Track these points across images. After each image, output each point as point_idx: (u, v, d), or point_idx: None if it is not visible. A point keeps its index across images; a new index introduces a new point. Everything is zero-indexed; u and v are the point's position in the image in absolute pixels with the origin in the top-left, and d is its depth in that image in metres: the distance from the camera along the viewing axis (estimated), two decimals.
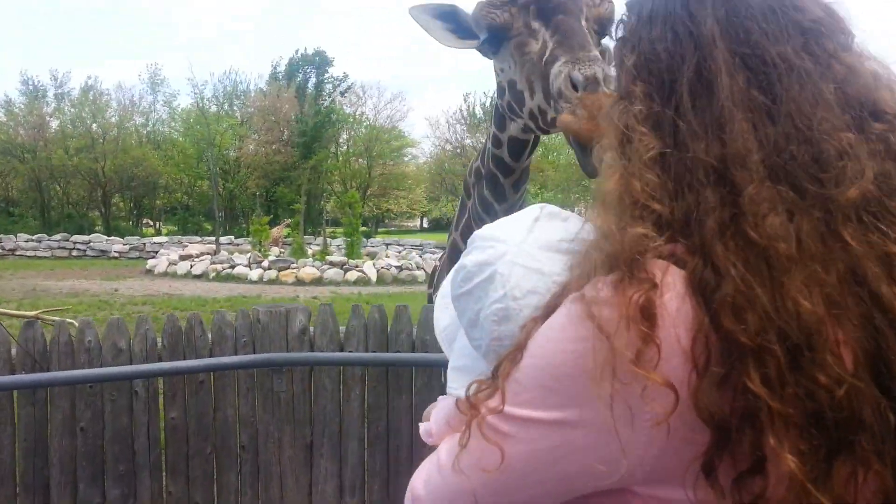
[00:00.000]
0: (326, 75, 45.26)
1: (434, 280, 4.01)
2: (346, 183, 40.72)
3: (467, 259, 0.92)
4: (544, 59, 2.00)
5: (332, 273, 19.87)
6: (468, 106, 40.10)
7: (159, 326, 3.31)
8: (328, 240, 25.73)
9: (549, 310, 0.77)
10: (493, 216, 2.87)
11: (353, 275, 19.96)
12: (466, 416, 0.80)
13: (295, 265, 20.19)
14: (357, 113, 44.02)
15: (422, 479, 0.90)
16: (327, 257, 21.26)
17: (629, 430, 0.68)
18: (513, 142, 2.60)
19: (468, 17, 2.32)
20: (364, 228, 28.25)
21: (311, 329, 3.20)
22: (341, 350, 3.16)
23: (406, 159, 44.91)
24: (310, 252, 23.33)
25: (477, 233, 0.96)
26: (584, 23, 2.06)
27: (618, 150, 0.78)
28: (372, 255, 23.35)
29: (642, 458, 0.69)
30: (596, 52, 1.92)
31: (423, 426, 1.02)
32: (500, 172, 2.72)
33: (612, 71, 1.76)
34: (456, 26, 2.34)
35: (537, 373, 0.74)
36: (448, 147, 39.39)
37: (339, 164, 41.15)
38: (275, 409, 3.15)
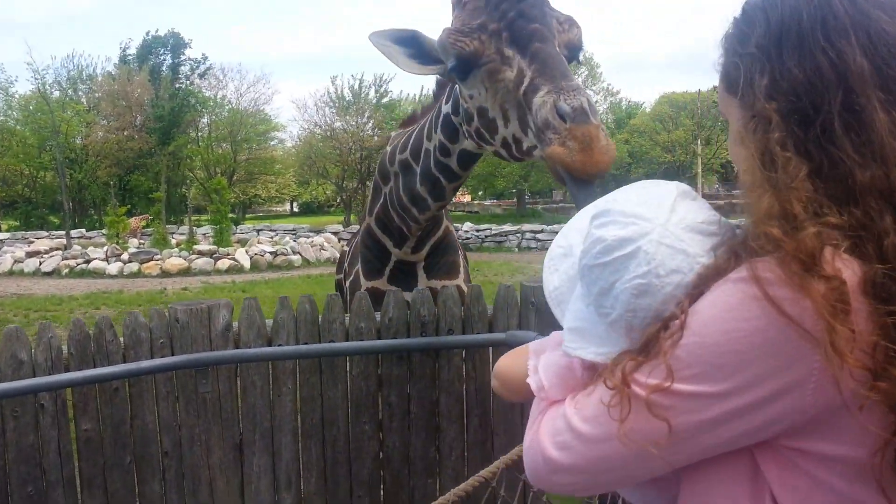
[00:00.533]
0: (183, 57, 42.73)
1: (344, 264, 3.97)
2: (209, 169, 38.85)
3: (605, 232, 0.95)
4: (523, 88, 1.97)
5: (201, 262, 19.00)
6: (336, 88, 39.41)
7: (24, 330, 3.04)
8: (194, 228, 24.50)
9: (698, 290, 0.85)
10: (425, 210, 2.86)
11: (224, 263, 19.22)
12: (618, 388, 0.87)
13: (159, 256, 19.12)
14: (218, 96, 42.01)
15: (553, 442, 0.95)
16: (195, 246, 20.26)
17: (798, 397, 0.79)
18: (464, 154, 2.60)
19: (430, 42, 2.29)
20: (231, 215, 27.11)
21: (235, 325, 3.07)
22: (269, 344, 3.06)
23: (273, 143, 43.48)
24: (174, 242, 22.14)
25: (611, 207, 0.98)
26: (557, 49, 2.04)
27: (761, 171, 0.86)
28: (243, 242, 22.54)
29: (797, 420, 0.82)
30: (578, 81, 1.92)
31: (533, 381, 1.06)
32: (443, 178, 2.72)
33: (593, 97, 1.79)
34: (417, 51, 2.30)
35: (703, 350, 0.82)
36: (317, 130, 38.50)
37: (200, 150, 39.12)
38: (200, 411, 3.00)
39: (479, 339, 3.05)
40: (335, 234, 25.93)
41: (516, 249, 24.23)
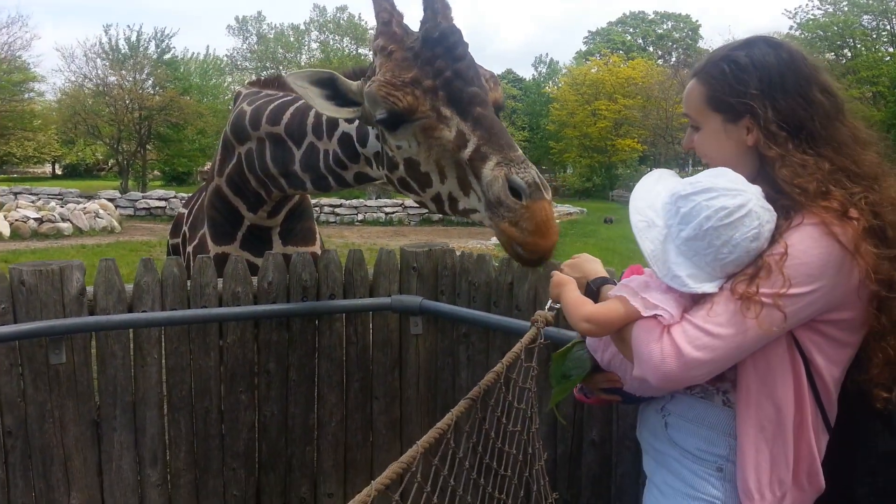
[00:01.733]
0: None
1: (183, 227, 3.70)
2: None
3: (723, 202, 1.40)
4: (467, 153, 1.99)
5: None
6: (110, 39, 35.46)
7: None
8: None
9: (783, 231, 1.41)
10: (299, 188, 2.77)
11: None
12: (748, 296, 1.37)
13: None
14: None
15: (693, 346, 1.38)
16: None
17: (842, 289, 1.40)
18: (364, 177, 2.58)
19: (346, 85, 2.26)
20: None
21: (90, 289, 2.75)
22: (131, 311, 2.79)
23: (29, 95, 37.96)
24: None
25: (712, 184, 1.44)
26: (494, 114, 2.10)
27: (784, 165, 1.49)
28: None
29: (843, 297, 1.42)
30: (521, 153, 1.98)
31: (658, 311, 1.46)
32: (333, 180, 2.69)
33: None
34: (333, 93, 2.26)
35: (800, 267, 1.37)
36: (88, 84, 34.36)
37: None
38: (52, 384, 2.66)
39: (366, 304, 3.05)
40: (111, 200, 23.55)
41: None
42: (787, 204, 1.45)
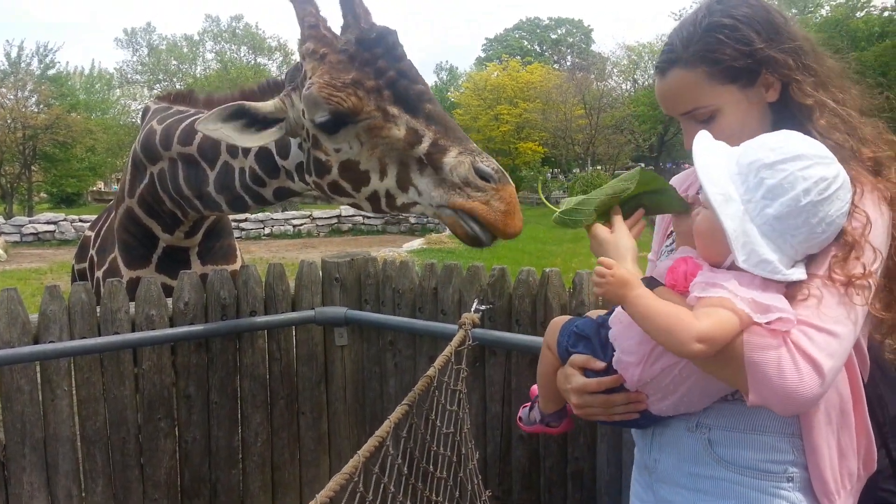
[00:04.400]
0: None
1: (90, 251, 3.53)
2: None
3: (820, 171, 1.20)
4: (424, 148, 2.02)
5: None
6: None
7: None
8: None
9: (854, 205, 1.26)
10: (215, 209, 2.70)
11: None
12: (858, 279, 1.20)
13: None
14: None
15: (819, 354, 1.15)
16: None
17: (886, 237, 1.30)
18: (285, 191, 2.54)
19: (256, 108, 2.24)
20: None
21: None
22: (37, 342, 2.64)
23: None
24: None
25: (803, 151, 1.22)
26: None
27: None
28: None
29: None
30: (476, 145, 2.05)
31: (782, 314, 1.19)
32: (250, 199, 2.61)
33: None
34: (250, 120, 2.23)
35: (878, 234, 1.27)
36: None
37: None
38: None
39: (289, 318, 3.00)
40: None
41: None
42: None
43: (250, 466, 3.06)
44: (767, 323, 1.17)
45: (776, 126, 1.38)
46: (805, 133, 1.28)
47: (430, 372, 1.85)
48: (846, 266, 1.21)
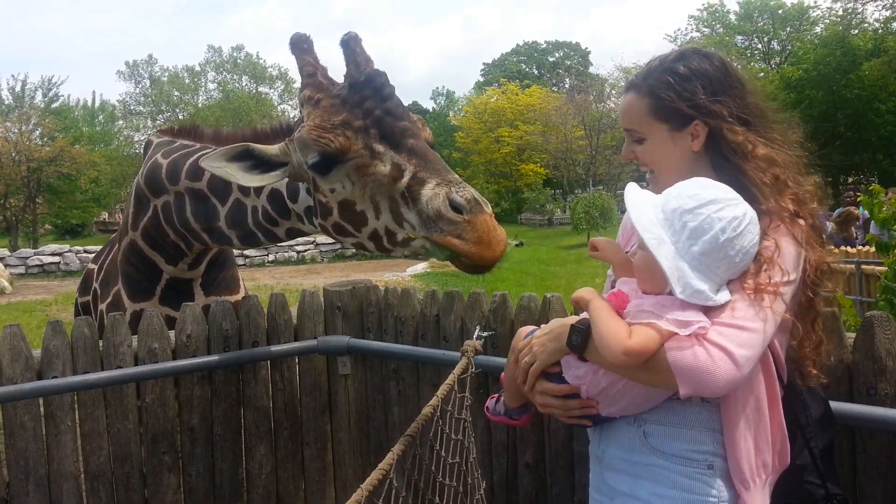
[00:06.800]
0: None
1: (93, 284, 3.54)
2: None
3: (731, 212, 1.43)
4: (405, 182, 2.06)
5: None
6: None
7: None
8: None
9: (765, 229, 1.49)
10: (225, 243, 2.72)
11: None
12: (763, 289, 1.42)
13: None
14: None
15: (737, 344, 1.37)
16: None
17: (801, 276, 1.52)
18: (296, 232, 2.58)
19: (261, 151, 2.29)
20: None
21: None
22: (40, 378, 2.64)
23: None
24: None
25: (714, 196, 1.44)
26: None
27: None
28: None
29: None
30: (457, 176, 2.08)
31: (692, 328, 1.40)
32: (263, 236, 2.65)
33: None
34: (255, 162, 2.28)
35: (788, 260, 1.47)
36: None
37: None
38: None
39: (292, 349, 2.99)
40: (0, 259, 22.05)
41: None
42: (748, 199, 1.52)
43: (255, 499, 3.03)
44: (689, 335, 1.40)
45: (713, 165, 1.63)
46: (738, 174, 1.55)
47: (434, 401, 1.84)
48: (757, 278, 1.44)
